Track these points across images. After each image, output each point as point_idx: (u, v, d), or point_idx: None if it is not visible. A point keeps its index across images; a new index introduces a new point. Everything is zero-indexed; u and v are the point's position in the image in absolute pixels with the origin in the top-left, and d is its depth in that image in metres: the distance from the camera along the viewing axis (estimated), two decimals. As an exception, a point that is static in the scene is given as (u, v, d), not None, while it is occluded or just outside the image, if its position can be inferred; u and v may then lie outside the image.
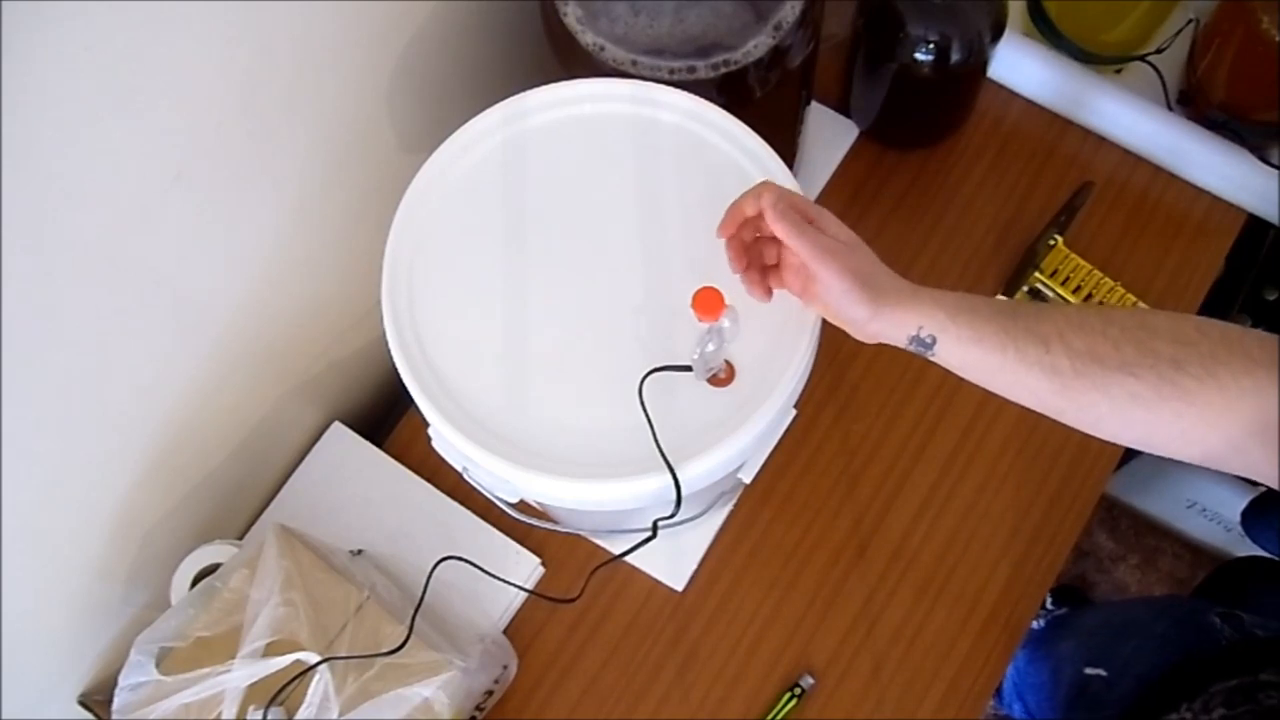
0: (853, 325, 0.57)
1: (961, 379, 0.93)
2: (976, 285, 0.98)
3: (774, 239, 0.58)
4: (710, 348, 0.58)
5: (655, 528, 0.64)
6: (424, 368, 0.63)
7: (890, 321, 0.56)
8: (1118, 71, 1.03)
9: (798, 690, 0.86)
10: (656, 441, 0.59)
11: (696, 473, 0.60)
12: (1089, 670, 0.82)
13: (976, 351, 0.54)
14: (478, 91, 0.75)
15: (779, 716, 0.86)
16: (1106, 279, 0.96)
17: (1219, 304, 1.08)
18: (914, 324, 0.55)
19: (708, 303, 0.57)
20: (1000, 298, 0.55)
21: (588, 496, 0.61)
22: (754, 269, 0.60)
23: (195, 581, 0.82)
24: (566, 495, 0.61)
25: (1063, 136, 1.03)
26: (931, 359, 0.56)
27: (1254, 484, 1.19)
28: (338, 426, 0.95)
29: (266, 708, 0.73)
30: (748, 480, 0.67)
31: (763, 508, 0.92)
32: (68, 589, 0.77)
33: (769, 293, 0.61)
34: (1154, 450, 0.52)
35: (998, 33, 0.90)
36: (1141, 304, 0.96)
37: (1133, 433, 0.52)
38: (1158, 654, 0.78)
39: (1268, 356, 0.48)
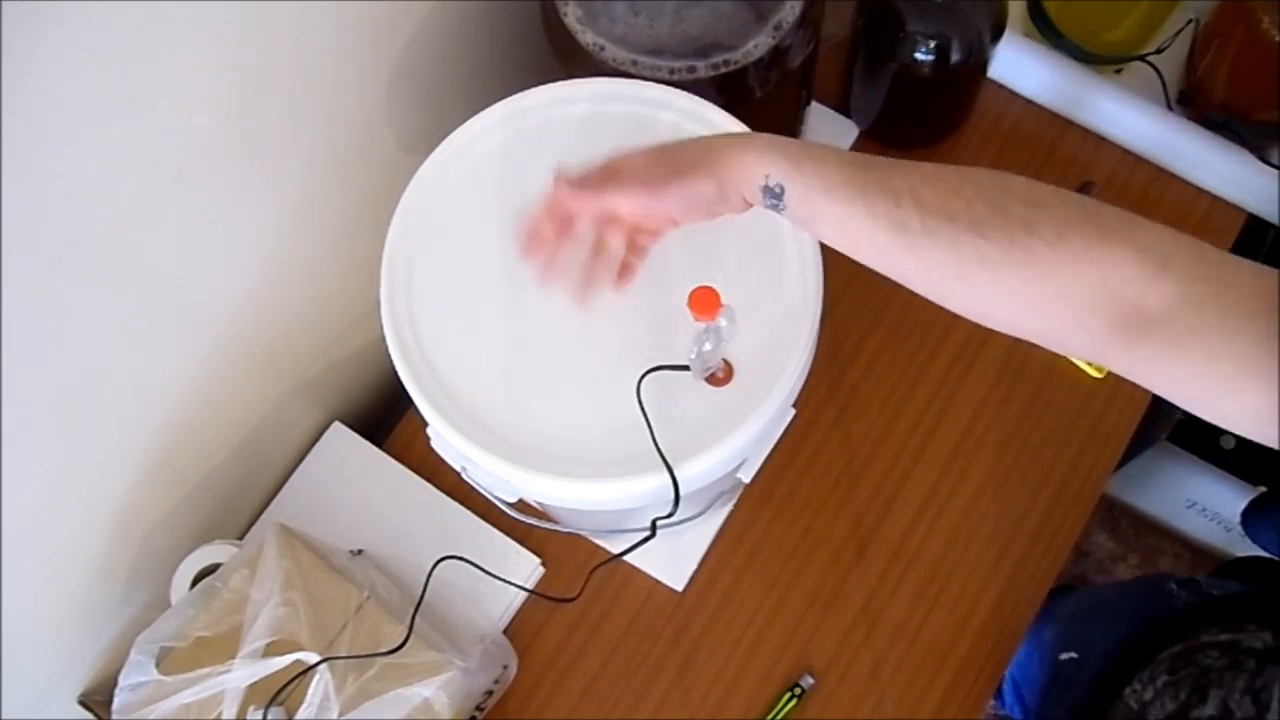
0: (713, 199, 0.54)
1: (964, 377, 0.94)
2: (976, 285, 0.98)
3: (618, 229, 0.57)
4: (707, 347, 0.58)
5: (654, 527, 0.64)
6: (422, 367, 0.63)
7: (739, 173, 0.53)
8: (1118, 71, 1.03)
9: (798, 690, 0.86)
10: (655, 441, 0.59)
11: (695, 472, 0.60)
12: (1063, 656, 0.82)
13: (824, 203, 0.51)
14: (478, 91, 0.75)
15: (779, 716, 0.86)
16: (1106, 279, 0.96)
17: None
18: (759, 172, 0.52)
19: (704, 302, 0.57)
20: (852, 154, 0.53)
21: (586, 496, 0.61)
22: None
23: (195, 581, 0.82)
24: (564, 495, 0.61)
25: (1063, 136, 1.03)
26: (783, 214, 0.54)
27: (1254, 484, 1.19)
28: (338, 426, 0.95)
29: (266, 708, 0.73)
30: (747, 480, 0.67)
31: (763, 508, 0.92)
32: (68, 589, 0.77)
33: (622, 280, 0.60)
34: (999, 325, 0.50)
35: (998, 33, 0.90)
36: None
37: (978, 301, 0.50)
38: (1120, 629, 0.79)
39: (1123, 227, 0.46)
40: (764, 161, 0.52)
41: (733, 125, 0.68)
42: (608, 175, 0.56)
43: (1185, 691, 0.67)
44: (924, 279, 0.51)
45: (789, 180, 0.52)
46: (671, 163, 0.54)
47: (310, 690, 0.73)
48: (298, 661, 0.73)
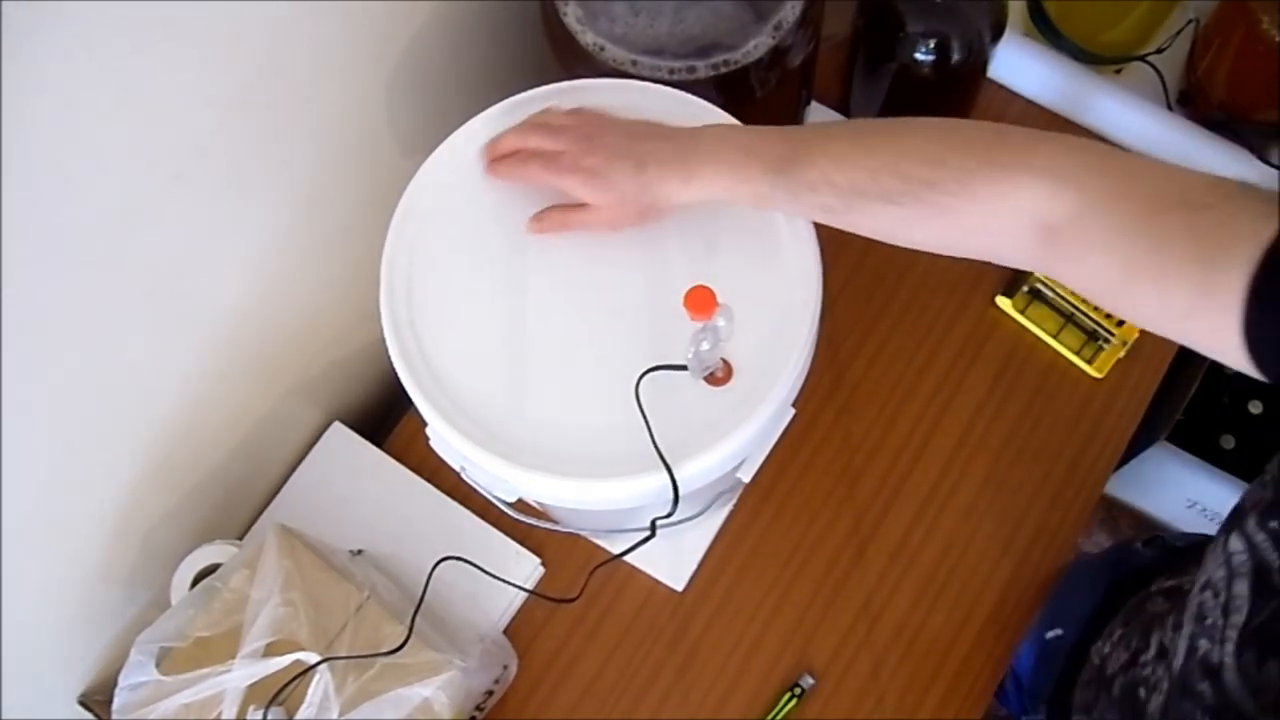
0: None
1: (964, 377, 0.95)
2: (976, 285, 0.98)
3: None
4: (705, 346, 0.58)
5: (654, 527, 0.64)
6: (422, 367, 0.63)
7: (679, 208, 0.62)
8: (1118, 71, 1.03)
9: (798, 690, 0.86)
10: (654, 441, 0.59)
11: (694, 472, 0.60)
12: (1049, 634, 0.83)
13: (760, 205, 0.60)
14: (478, 91, 0.75)
15: (779, 716, 0.86)
16: (1106, 279, 0.96)
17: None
18: (700, 202, 0.61)
19: (699, 301, 0.57)
20: (775, 135, 0.59)
21: (585, 496, 0.61)
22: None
23: (195, 581, 0.82)
24: (564, 494, 0.61)
25: (1063, 136, 1.03)
26: None
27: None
28: (338, 426, 0.95)
29: (266, 708, 0.73)
30: (746, 480, 0.67)
31: (763, 507, 0.92)
32: (68, 589, 0.77)
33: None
34: (943, 253, 0.56)
35: (998, 33, 0.90)
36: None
37: (914, 243, 0.56)
38: (1093, 597, 0.80)
39: (1018, 157, 0.50)
40: (704, 199, 0.61)
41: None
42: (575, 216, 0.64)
43: (1135, 639, 0.68)
44: (864, 234, 0.58)
45: (729, 201, 0.60)
46: (635, 212, 0.63)
47: (310, 690, 0.73)
48: (298, 661, 0.73)
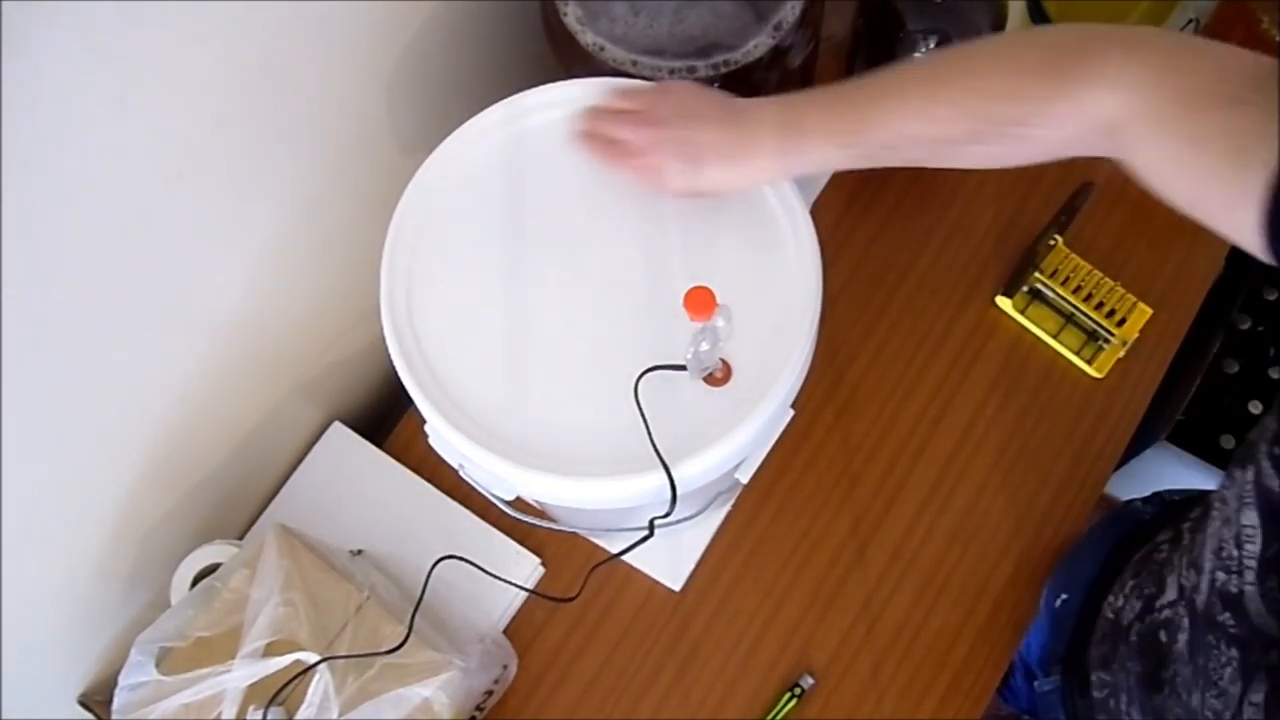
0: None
1: (964, 377, 0.95)
2: (976, 285, 0.98)
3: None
4: (704, 347, 0.58)
5: (652, 527, 0.64)
6: (421, 366, 0.63)
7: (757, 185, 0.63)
8: (1118, 71, 1.03)
9: (798, 690, 0.86)
10: (651, 440, 0.59)
11: (692, 472, 0.60)
12: (1057, 602, 0.84)
13: (826, 170, 0.61)
14: (478, 91, 0.75)
15: (779, 716, 0.86)
16: (1106, 279, 0.96)
17: (1219, 304, 1.08)
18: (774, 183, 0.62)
19: (699, 302, 0.57)
20: (835, 104, 0.59)
21: (583, 495, 0.61)
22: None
23: (195, 581, 0.82)
24: (562, 493, 0.61)
25: (1063, 136, 1.03)
26: None
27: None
28: (338, 426, 0.95)
29: (266, 708, 0.73)
30: (745, 480, 0.67)
31: (762, 508, 0.92)
32: (68, 589, 0.77)
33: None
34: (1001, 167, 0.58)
35: (998, 32, 0.90)
36: (1142, 304, 0.96)
37: (984, 165, 0.58)
38: (1098, 557, 0.81)
39: (1087, 75, 0.51)
40: (777, 180, 0.63)
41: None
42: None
43: (1148, 587, 0.69)
44: (936, 167, 0.60)
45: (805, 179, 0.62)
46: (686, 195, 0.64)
47: (310, 690, 0.73)
48: (298, 661, 0.73)
